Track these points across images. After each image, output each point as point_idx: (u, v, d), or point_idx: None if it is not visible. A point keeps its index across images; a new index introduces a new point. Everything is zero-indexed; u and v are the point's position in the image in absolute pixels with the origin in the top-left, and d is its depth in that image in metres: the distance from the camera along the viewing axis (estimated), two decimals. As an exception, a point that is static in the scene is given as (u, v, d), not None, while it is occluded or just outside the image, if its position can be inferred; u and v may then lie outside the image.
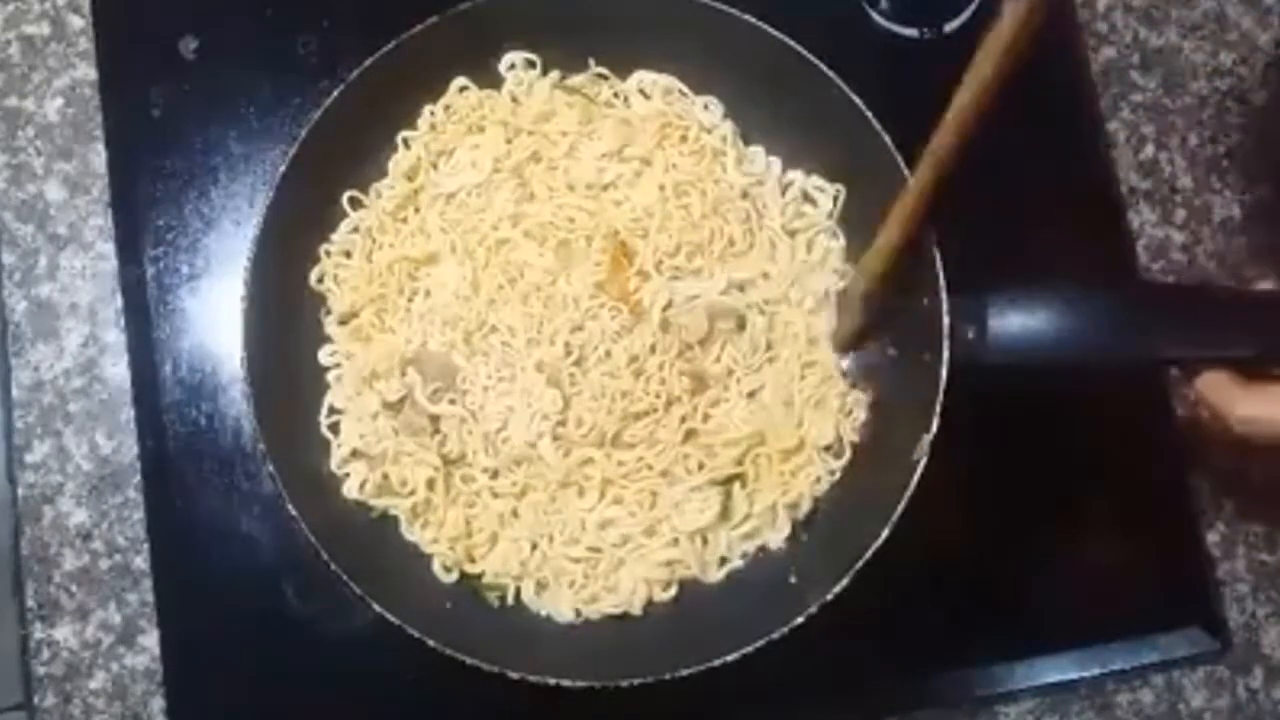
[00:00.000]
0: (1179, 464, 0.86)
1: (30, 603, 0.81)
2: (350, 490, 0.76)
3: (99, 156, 0.85)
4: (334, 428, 0.78)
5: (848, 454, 0.78)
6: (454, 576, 0.77)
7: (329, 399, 0.78)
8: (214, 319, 0.83)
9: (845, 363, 0.79)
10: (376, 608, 0.70)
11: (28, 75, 0.86)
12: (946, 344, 0.70)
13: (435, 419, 0.77)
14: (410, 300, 0.79)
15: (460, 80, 0.80)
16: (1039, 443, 0.83)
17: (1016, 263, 0.81)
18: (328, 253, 0.79)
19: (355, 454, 0.77)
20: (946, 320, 0.70)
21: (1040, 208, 0.86)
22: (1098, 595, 0.84)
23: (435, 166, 0.80)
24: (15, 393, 0.82)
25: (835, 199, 0.80)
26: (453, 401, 0.77)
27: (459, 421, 0.77)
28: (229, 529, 0.81)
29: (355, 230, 0.79)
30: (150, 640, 0.81)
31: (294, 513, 0.71)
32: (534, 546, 0.77)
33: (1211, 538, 0.86)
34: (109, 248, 0.84)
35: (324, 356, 0.79)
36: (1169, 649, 0.83)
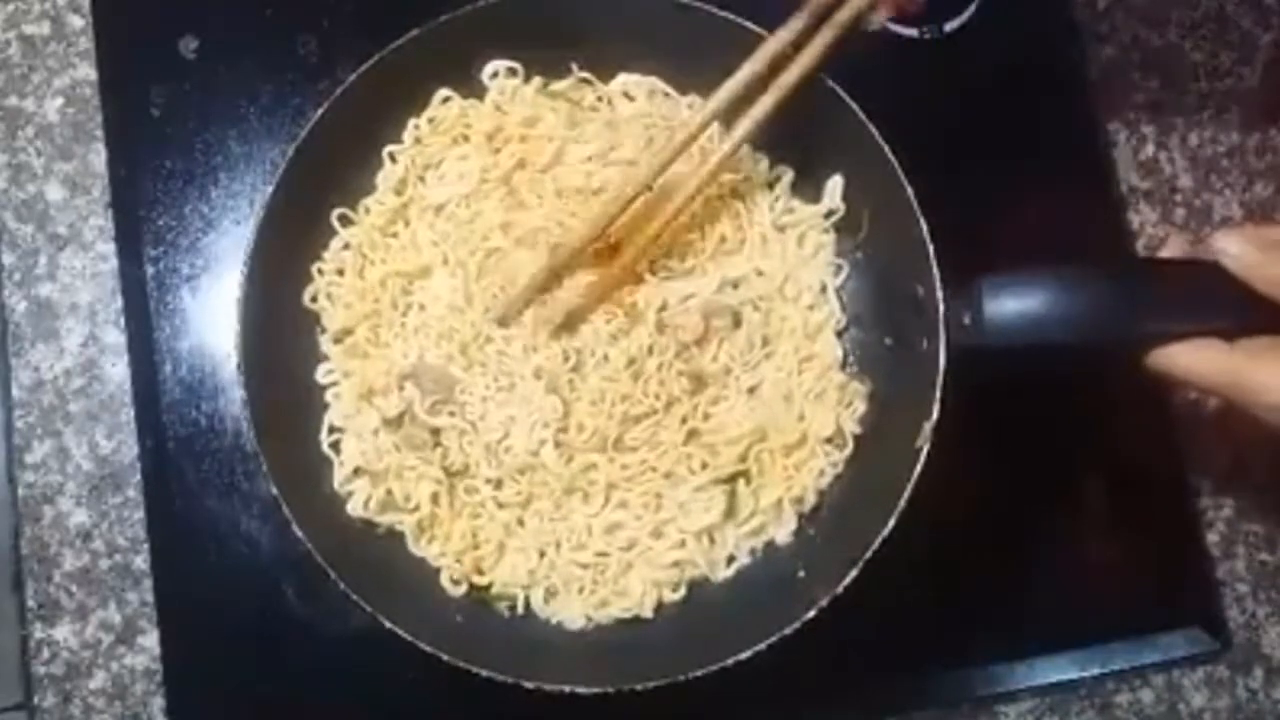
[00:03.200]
0: (1179, 464, 0.86)
1: (30, 603, 0.81)
2: (355, 508, 0.76)
3: (99, 156, 0.85)
4: (335, 446, 0.77)
5: (850, 446, 0.77)
6: (463, 589, 0.76)
7: (329, 417, 0.77)
8: (214, 319, 0.83)
9: (839, 352, 0.79)
10: (388, 624, 0.69)
11: (28, 75, 0.86)
12: (943, 330, 0.69)
13: (436, 432, 0.76)
14: (405, 315, 0.78)
15: (443, 91, 0.80)
16: (1038, 443, 0.83)
17: (1016, 262, 0.81)
18: (320, 271, 0.78)
19: (358, 472, 0.77)
20: (942, 307, 0.70)
21: (1039, 208, 0.86)
22: (1098, 595, 0.84)
23: (423, 179, 0.80)
24: (15, 393, 0.82)
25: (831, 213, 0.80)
26: (452, 414, 0.76)
27: (460, 433, 0.76)
28: (229, 529, 0.81)
29: (346, 248, 0.79)
30: (150, 640, 0.80)
31: (300, 535, 0.70)
32: (541, 554, 0.76)
33: (1211, 538, 0.86)
34: (109, 248, 0.84)
35: (321, 375, 0.78)
36: (1169, 649, 0.83)
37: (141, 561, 0.81)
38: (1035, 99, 0.88)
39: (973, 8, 0.88)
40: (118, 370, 0.83)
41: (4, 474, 0.83)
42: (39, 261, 0.84)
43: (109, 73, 0.86)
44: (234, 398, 0.82)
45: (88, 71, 0.86)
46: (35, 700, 0.80)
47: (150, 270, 0.84)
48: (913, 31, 0.88)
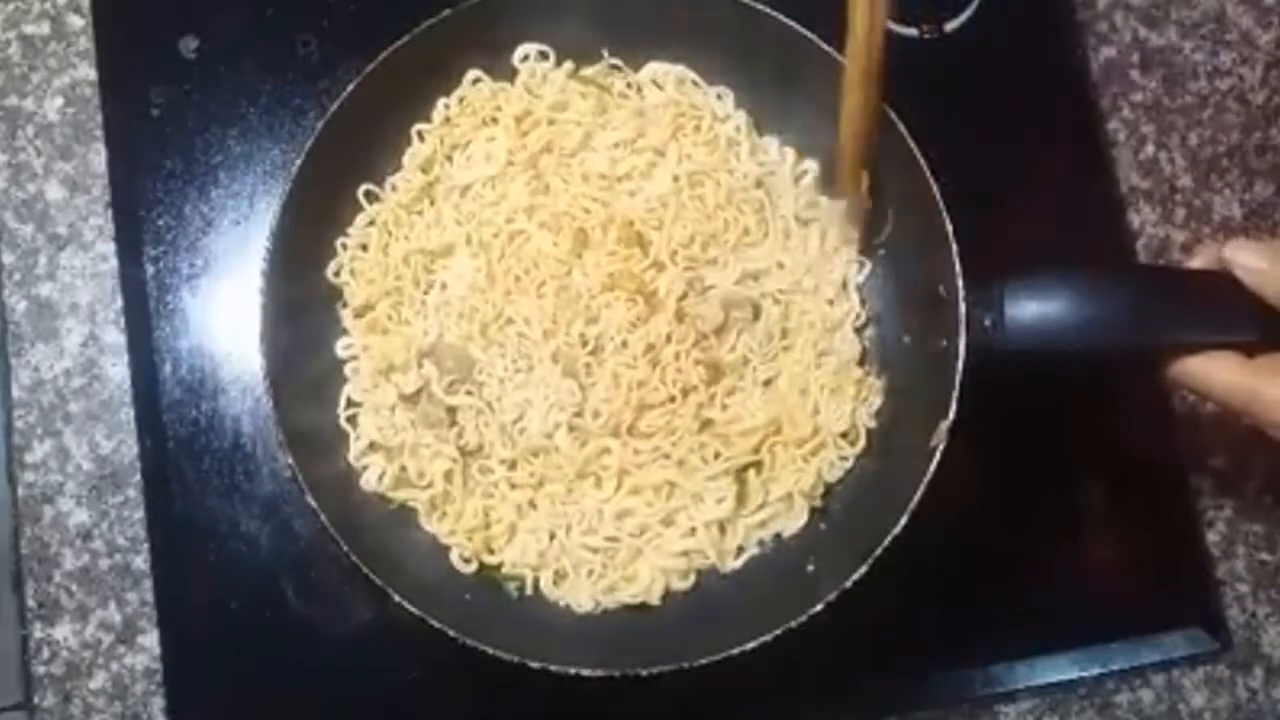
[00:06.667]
0: (1179, 464, 0.86)
1: (30, 602, 0.81)
2: (369, 482, 0.77)
3: (99, 156, 0.85)
4: (352, 420, 0.78)
5: (863, 441, 0.78)
6: (473, 568, 0.76)
7: (347, 391, 0.78)
8: (214, 319, 0.83)
9: (857, 348, 0.79)
10: (396, 598, 0.70)
11: (28, 75, 0.86)
12: (964, 331, 0.70)
13: (452, 411, 0.77)
14: (426, 293, 0.79)
15: (474, 72, 0.80)
16: (1038, 443, 0.83)
17: (1018, 263, 0.81)
18: (344, 245, 0.79)
19: (373, 446, 0.77)
20: (964, 307, 0.70)
21: (1039, 208, 0.86)
22: (1098, 595, 0.84)
23: (450, 159, 0.80)
24: (15, 393, 0.82)
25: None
26: (470, 393, 0.77)
27: (476, 413, 0.77)
28: (229, 529, 0.81)
29: (371, 223, 0.79)
30: (150, 640, 0.80)
31: (313, 505, 0.70)
32: (552, 537, 0.77)
33: (1211, 538, 0.86)
34: (109, 248, 0.84)
35: (341, 349, 0.78)
36: (1169, 649, 0.83)
37: (141, 561, 0.81)
38: (1035, 99, 0.88)
39: (973, 7, 0.88)
40: (118, 370, 0.83)
41: (4, 474, 0.83)
42: (39, 261, 0.84)
43: (109, 73, 0.86)
44: (234, 397, 0.82)
45: (88, 71, 0.86)
46: (35, 700, 0.80)
47: (150, 270, 0.84)
48: (913, 31, 0.88)
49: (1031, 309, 0.68)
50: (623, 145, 0.80)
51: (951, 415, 0.70)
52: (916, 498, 0.70)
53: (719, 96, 0.81)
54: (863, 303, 0.80)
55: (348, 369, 0.78)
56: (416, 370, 0.77)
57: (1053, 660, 0.83)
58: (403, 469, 0.77)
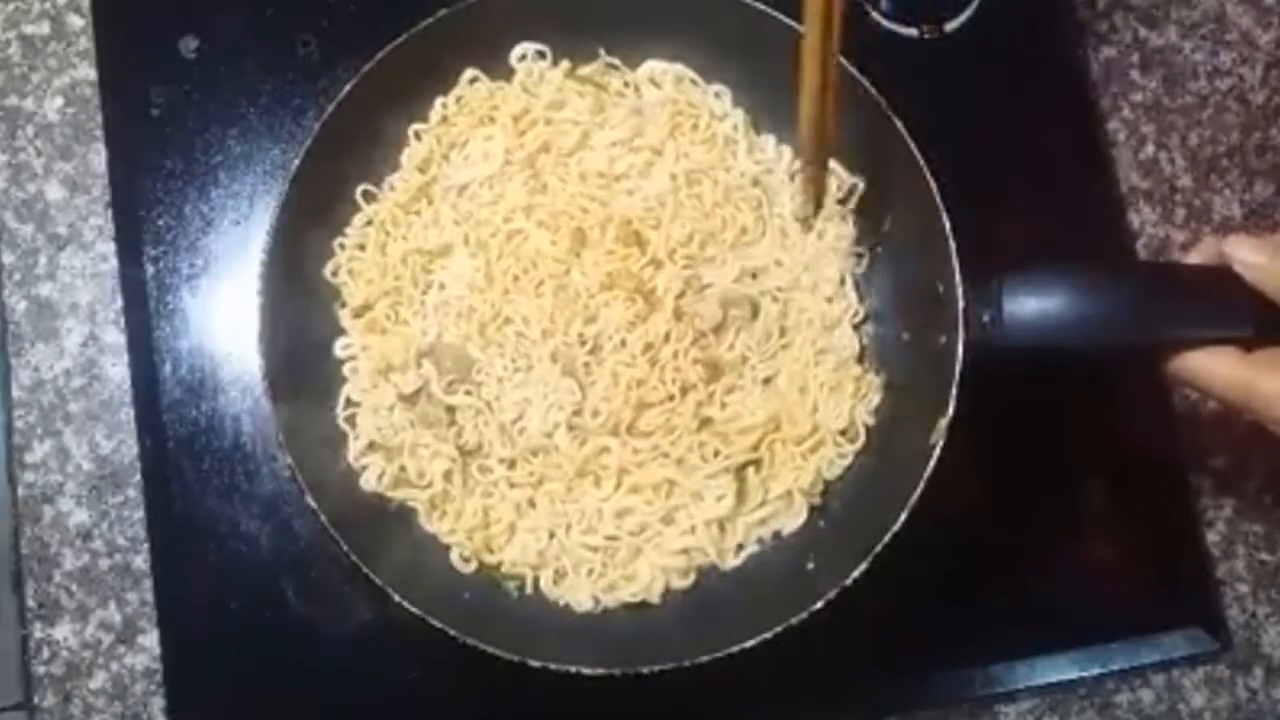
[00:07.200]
0: (1179, 464, 0.86)
1: (30, 602, 0.80)
2: (368, 483, 0.76)
3: (99, 156, 0.85)
4: (351, 420, 0.77)
5: (862, 438, 0.78)
6: (472, 567, 0.77)
7: (345, 391, 0.78)
8: (214, 319, 0.83)
9: (855, 345, 0.79)
10: (396, 598, 0.70)
11: (28, 75, 0.86)
12: (963, 327, 0.70)
13: (451, 410, 0.77)
14: (425, 292, 0.79)
15: (471, 72, 0.80)
16: (1038, 441, 0.83)
17: (1019, 262, 0.81)
18: (341, 245, 0.79)
19: (372, 446, 0.77)
20: (962, 304, 0.70)
21: (1040, 208, 0.86)
22: (1098, 595, 0.84)
23: (447, 158, 0.80)
24: (15, 393, 0.82)
25: (852, 190, 0.80)
26: (469, 393, 0.77)
27: (475, 413, 0.77)
28: (229, 529, 0.81)
29: (369, 223, 0.79)
30: (150, 640, 0.80)
31: (313, 505, 0.71)
32: (552, 536, 0.77)
33: (1211, 538, 0.86)
34: (109, 248, 0.84)
35: (339, 349, 0.79)
36: (1169, 649, 0.83)
37: (141, 561, 0.81)
38: (1035, 99, 0.88)
39: (973, 7, 0.88)
40: (118, 370, 0.83)
41: (4, 474, 0.83)
42: (39, 261, 0.84)
43: (109, 73, 0.86)
44: (234, 397, 0.82)
45: (88, 71, 0.86)
46: (35, 700, 0.80)
47: (150, 270, 0.84)
48: (913, 31, 0.88)
49: (1030, 305, 0.68)
50: (620, 144, 0.80)
51: (950, 412, 0.70)
52: (916, 495, 0.70)
53: (716, 95, 0.81)
54: (861, 300, 0.80)
55: (346, 369, 0.78)
56: (415, 370, 0.77)
57: (1053, 660, 0.83)
58: (402, 469, 0.77)
